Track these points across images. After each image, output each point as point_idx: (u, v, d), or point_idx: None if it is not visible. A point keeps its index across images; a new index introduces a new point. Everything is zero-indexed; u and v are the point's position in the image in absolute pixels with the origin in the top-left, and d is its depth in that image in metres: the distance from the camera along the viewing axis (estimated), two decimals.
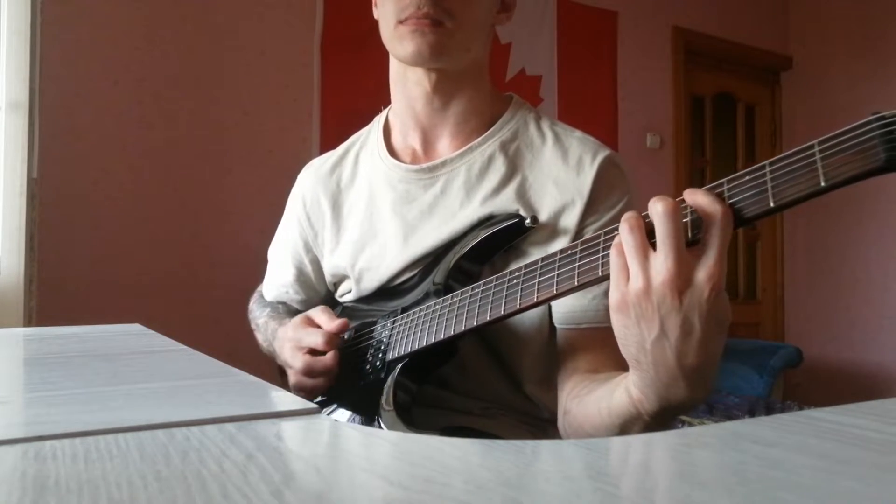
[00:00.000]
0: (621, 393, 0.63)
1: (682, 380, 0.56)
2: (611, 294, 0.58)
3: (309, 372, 0.81)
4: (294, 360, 0.82)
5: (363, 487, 0.30)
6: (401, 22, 0.80)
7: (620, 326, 0.58)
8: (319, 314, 0.84)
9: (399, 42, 0.81)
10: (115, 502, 0.26)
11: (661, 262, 0.53)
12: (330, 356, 0.80)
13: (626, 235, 0.56)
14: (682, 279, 0.53)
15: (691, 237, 0.55)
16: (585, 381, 0.72)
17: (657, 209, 0.54)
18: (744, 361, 3.04)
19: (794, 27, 4.13)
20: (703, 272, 0.53)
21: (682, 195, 0.56)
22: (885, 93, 3.57)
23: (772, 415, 0.39)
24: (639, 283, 0.54)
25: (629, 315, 0.56)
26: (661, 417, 0.61)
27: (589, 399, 0.69)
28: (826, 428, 0.35)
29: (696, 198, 0.54)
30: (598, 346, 0.76)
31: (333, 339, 0.80)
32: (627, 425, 0.63)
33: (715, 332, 0.55)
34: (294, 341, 0.83)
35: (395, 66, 0.89)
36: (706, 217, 0.53)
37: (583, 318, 0.77)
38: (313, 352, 0.81)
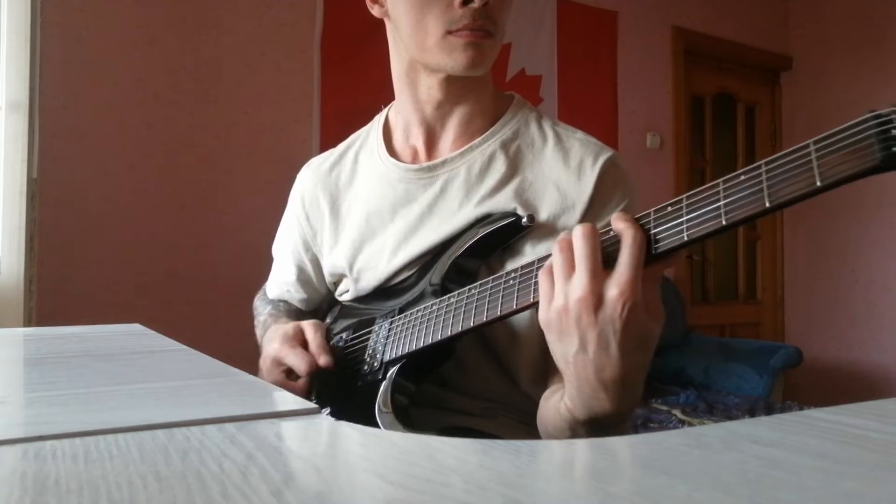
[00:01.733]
0: (563, 399, 0.66)
1: (603, 391, 0.60)
2: (539, 313, 0.62)
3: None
4: (270, 374, 0.83)
5: (363, 487, 0.30)
6: (450, 32, 0.78)
7: (550, 343, 0.62)
8: (312, 332, 0.82)
9: (448, 53, 0.79)
10: (115, 502, 0.26)
11: (578, 281, 0.57)
12: (302, 383, 0.81)
13: (555, 256, 0.60)
14: (595, 297, 0.57)
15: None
16: (557, 383, 0.74)
17: (576, 232, 0.59)
18: (744, 361, 3.04)
19: (794, 27, 4.13)
20: (615, 289, 0.56)
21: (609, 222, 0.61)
22: (886, 92, 3.57)
23: (772, 415, 0.39)
24: (560, 302, 0.59)
25: (553, 331, 0.60)
26: (595, 426, 0.64)
27: (551, 400, 0.71)
28: (826, 428, 0.35)
29: (616, 223, 0.58)
30: None
31: (312, 370, 0.79)
32: (572, 430, 0.66)
33: (633, 346, 0.58)
34: (277, 356, 0.82)
35: (402, 68, 0.87)
36: (620, 238, 0.57)
37: None
38: (289, 371, 0.81)
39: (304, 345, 0.82)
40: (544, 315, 0.61)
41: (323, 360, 0.79)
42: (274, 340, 0.83)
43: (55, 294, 2.11)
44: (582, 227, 0.58)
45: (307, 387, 0.81)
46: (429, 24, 0.79)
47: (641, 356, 0.60)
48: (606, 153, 0.83)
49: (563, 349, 0.60)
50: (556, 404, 0.69)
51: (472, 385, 0.83)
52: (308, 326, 0.83)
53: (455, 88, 0.85)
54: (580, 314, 0.57)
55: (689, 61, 3.71)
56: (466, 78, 0.84)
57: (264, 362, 0.85)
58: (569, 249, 0.59)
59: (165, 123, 2.36)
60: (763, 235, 4.14)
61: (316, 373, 0.80)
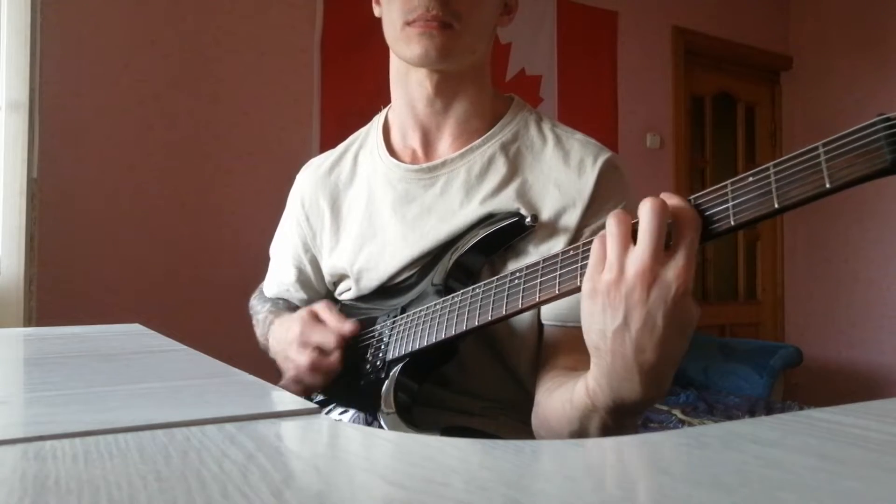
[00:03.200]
0: (581, 384, 0.64)
1: (637, 374, 0.57)
2: (584, 282, 0.59)
3: (314, 369, 0.80)
4: (300, 356, 0.81)
5: (363, 487, 0.30)
6: (408, 23, 0.79)
7: (587, 314, 0.59)
8: (325, 311, 0.83)
9: (406, 43, 0.81)
10: (115, 502, 0.26)
11: (638, 255, 0.55)
12: (336, 357, 0.80)
13: (611, 227, 0.57)
14: (653, 274, 0.54)
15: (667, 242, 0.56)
16: (560, 377, 0.73)
17: (646, 206, 0.55)
18: (744, 361, 3.04)
19: (794, 27, 4.13)
20: (673, 271, 0.54)
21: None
22: (886, 92, 3.57)
23: (772, 415, 0.39)
24: (612, 273, 0.56)
25: (597, 302, 0.58)
26: (616, 413, 0.62)
27: (557, 392, 0.70)
28: (826, 428, 0.35)
29: (674, 202, 0.56)
30: (581, 345, 0.77)
31: (342, 342, 0.80)
32: (585, 419, 0.64)
33: (675, 333, 0.56)
34: (302, 336, 0.82)
35: (396, 66, 0.89)
36: (678, 220, 0.55)
37: (569, 316, 0.77)
38: (321, 350, 0.81)
39: (322, 324, 0.82)
40: (591, 284, 0.58)
41: (347, 327, 0.79)
42: (293, 327, 0.84)
43: (55, 294, 2.11)
44: (651, 200, 0.55)
45: (341, 359, 0.80)
46: (393, 15, 0.81)
47: (681, 344, 0.57)
48: (606, 154, 0.84)
49: (604, 322, 0.57)
50: (566, 394, 0.67)
51: (474, 385, 0.83)
52: (320, 306, 0.84)
53: (443, 86, 0.85)
54: (633, 289, 0.55)
55: (689, 61, 3.71)
56: (449, 73, 0.84)
57: (286, 350, 0.84)
58: (627, 222, 0.57)
59: (165, 123, 2.36)
60: (763, 235, 4.13)
61: (346, 346, 0.80)
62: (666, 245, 0.55)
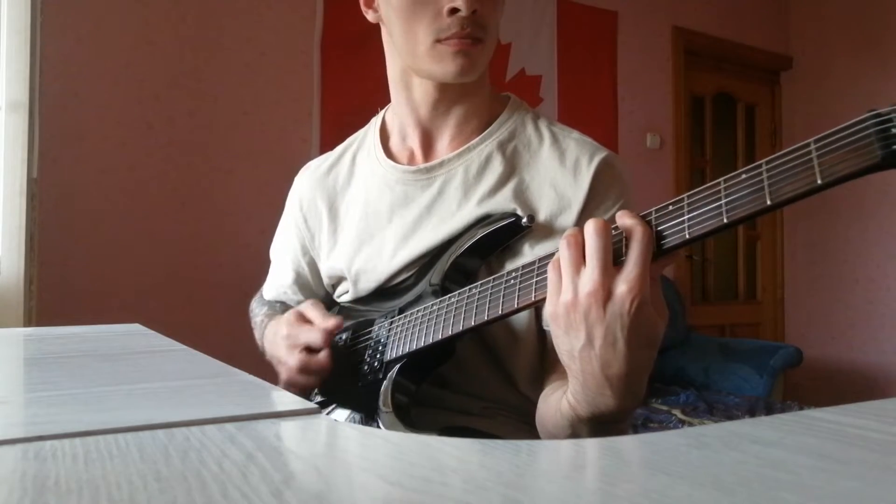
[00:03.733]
0: (565, 397, 0.66)
1: (608, 388, 0.60)
2: (545, 307, 0.62)
3: (304, 369, 0.81)
4: (289, 358, 0.82)
5: (362, 487, 0.30)
6: (439, 41, 0.79)
7: (554, 337, 0.62)
8: (311, 309, 0.83)
9: (437, 61, 0.80)
10: (115, 502, 0.26)
11: (588, 275, 0.57)
12: (324, 355, 0.80)
13: (563, 251, 0.60)
14: (605, 291, 0.57)
15: (621, 258, 0.58)
16: (556, 382, 0.74)
17: (589, 228, 0.58)
18: (744, 361, 3.04)
19: (794, 27, 4.13)
20: (624, 285, 0.56)
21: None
22: (886, 92, 3.57)
23: (772, 415, 0.39)
24: (568, 295, 0.58)
25: (559, 325, 0.60)
26: (597, 424, 0.64)
27: (551, 398, 0.71)
28: (826, 428, 0.35)
29: (623, 220, 0.58)
30: None
31: (329, 337, 0.80)
32: (573, 428, 0.66)
33: (639, 344, 0.58)
34: (290, 339, 0.82)
35: (397, 72, 0.88)
36: (628, 235, 0.57)
37: None
38: (309, 349, 0.81)
39: (309, 323, 0.82)
40: (551, 308, 0.60)
41: (331, 322, 0.79)
42: (280, 329, 0.84)
43: (55, 294, 2.11)
44: (594, 221, 0.58)
45: (329, 357, 0.80)
46: (419, 32, 0.79)
47: (647, 354, 0.60)
48: (602, 153, 0.83)
49: (570, 343, 0.60)
50: (556, 402, 0.68)
51: (471, 385, 0.83)
52: (306, 305, 0.85)
53: (450, 92, 0.85)
54: (589, 308, 0.57)
55: (689, 61, 3.71)
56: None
57: (276, 351, 0.85)
58: (577, 244, 0.59)
59: (165, 123, 2.36)
60: (763, 235, 4.14)
61: (335, 347, 0.81)
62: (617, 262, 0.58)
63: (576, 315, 0.58)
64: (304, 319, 0.83)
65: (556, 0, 3.21)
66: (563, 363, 0.63)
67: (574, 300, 0.58)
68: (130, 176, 2.30)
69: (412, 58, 0.82)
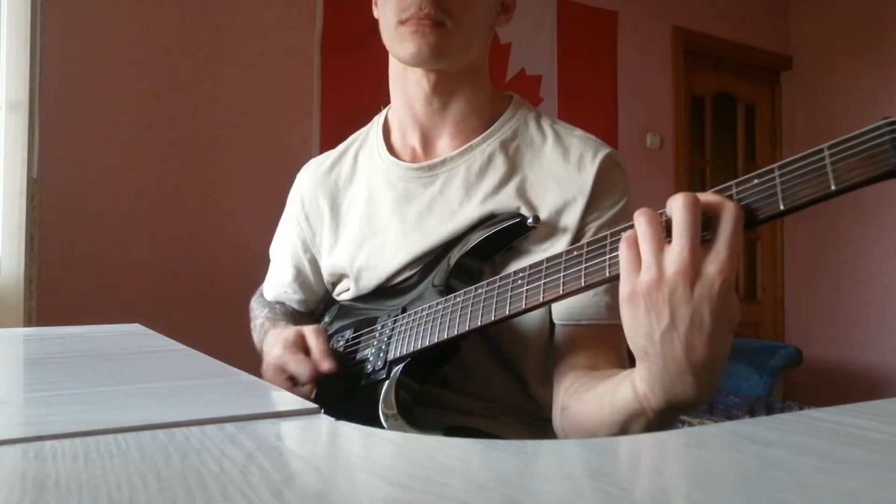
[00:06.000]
0: (626, 389, 0.62)
1: (690, 374, 0.56)
2: (621, 286, 0.57)
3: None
4: (275, 379, 0.81)
5: (363, 487, 0.30)
6: (401, 22, 0.80)
7: (629, 318, 0.57)
8: (313, 337, 0.81)
9: (399, 42, 0.81)
10: (115, 502, 0.26)
11: (677, 253, 0.53)
12: (307, 390, 0.79)
13: (643, 227, 0.55)
14: (694, 270, 0.53)
15: (701, 237, 0.55)
16: (585, 378, 0.72)
17: (677, 201, 0.54)
18: (744, 361, 3.04)
19: (794, 27, 4.13)
20: (714, 265, 0.53)
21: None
22: (886, 93, 3.57)
23: (772, 415, 0.39)
24: (651, 274, 0.54)
25: (639, 306, 0.56)
26: (665, 415, 0.60)
27: (590, 395, 0.69)
28: (826, 428, 0.35)
29: (706, 197, 0.54)
30: (597, 343, 0.76)
31: (316, 376, 0.78)
32: (629, 422, 0.63)
33: (722, 328, 0.54)
34: (279, 361, 0.80)
35: (394, 66, 0.89)
36: (716, 213, 0.53)
37: (583, 314, 0.77)
38: (293, 379, 0.80)
39: (306, 350, 0.80)
40: (628, 287, 0.56)
41: (326, 365, 0.78)
42: (275, 347, 0.82)
43: (55, 294, 2.11)
44: (683, 195, 0.54)
45: (311, 393, 0.80)
46: (388, 15, 0.82)
47: (728, 340, 0.56)
48: (605, 149, 0.84)
49: (649, 326, 0.55)
50: (604, 399, 0.66)
51: (473, 385, 0.83)
52: (309, 332, 0.82)
53: (441, 85, 0.85)
54: (675, 288, 0.53)
55: (689, 61, 3.71)
56: (445, 73, 0.84)
57: (266, 370, 0.84)
58: (658, 221, 0.55)
59: (165, 123, 2.36)
60: (763, 235, 4.13)
61: (319, 378, 0.79)
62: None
63: (659, 295, 0.54)
64: (301, 345, 0.81)
65: (556, 0, 3.22)
66: (635, 348, 0.58)
67: (658, 279, 0.54)
68: (130, 176, 2.30)
69: (387, 43, 0.84)
